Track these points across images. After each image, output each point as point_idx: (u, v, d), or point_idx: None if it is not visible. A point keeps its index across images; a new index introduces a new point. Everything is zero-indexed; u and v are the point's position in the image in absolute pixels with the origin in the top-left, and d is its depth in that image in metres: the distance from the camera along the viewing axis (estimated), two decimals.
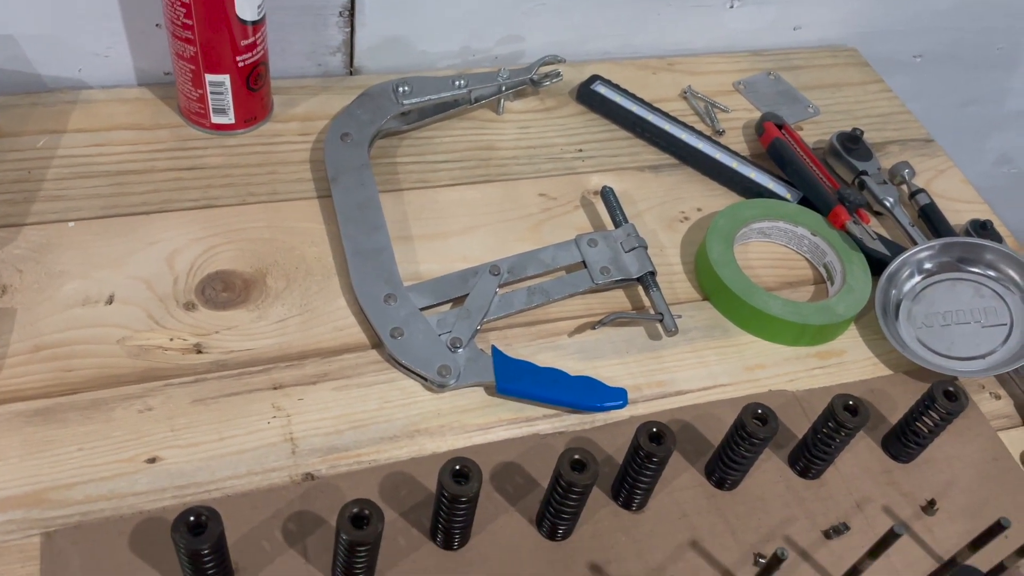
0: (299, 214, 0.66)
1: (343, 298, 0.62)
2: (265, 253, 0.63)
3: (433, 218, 0.68)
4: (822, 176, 0.75)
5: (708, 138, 0.78)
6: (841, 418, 0.52)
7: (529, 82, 0.76)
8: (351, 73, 0.79)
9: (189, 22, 0.62)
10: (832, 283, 0.69)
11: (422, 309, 0.60)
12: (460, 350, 0.58)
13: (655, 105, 0.79)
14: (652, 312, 0.63)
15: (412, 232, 0.67)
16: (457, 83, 0.73)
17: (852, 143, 0.78)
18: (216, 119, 0.69)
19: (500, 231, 0.68)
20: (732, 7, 0.87)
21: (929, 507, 0.56)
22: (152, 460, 0.51)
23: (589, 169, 0.75)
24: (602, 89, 0.80)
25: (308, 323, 0.60)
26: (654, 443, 0.49)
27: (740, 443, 0.52)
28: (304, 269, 0.63)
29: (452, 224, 0.68)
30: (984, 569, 0.52)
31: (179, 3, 0.61)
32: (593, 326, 0.61)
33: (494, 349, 0.59)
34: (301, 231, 0.65)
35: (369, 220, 0.64)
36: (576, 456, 0.47)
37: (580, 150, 0.76)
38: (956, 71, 1.04)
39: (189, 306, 0.59)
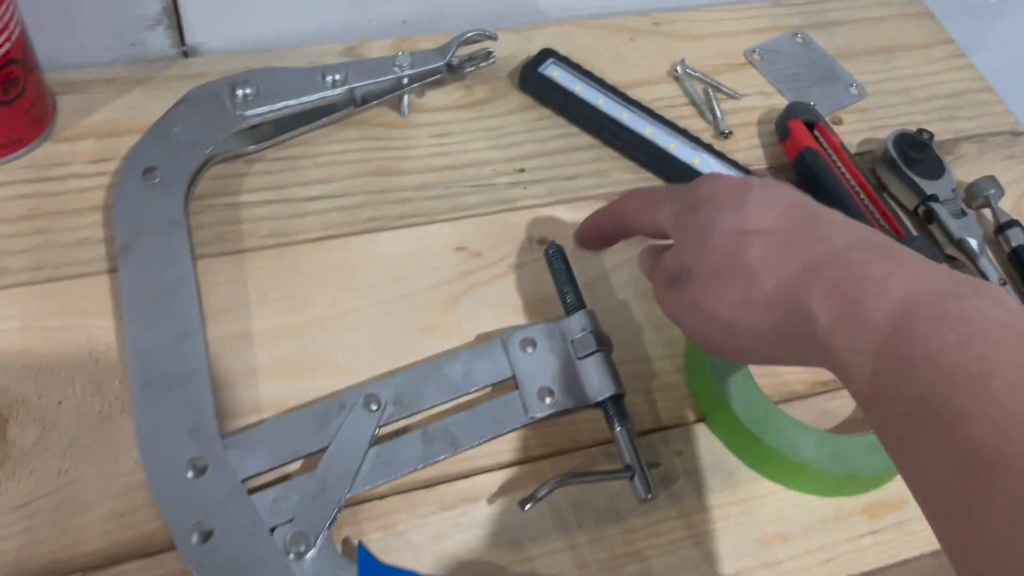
0: (78, 304, 0.43)
1: (134, 454, 0.39)
2: (11, 379, 0.40)
3: (291, 297, 0.45)
4: (873, 210, 0.51)
5: (708, 147, 0.53)
6: None
7: (445, 69, 0.52)
8: (184, 54, 0.53)
9: None
10: None
11: (250, 479, 0.38)
12: (307, 555, 0.36)
13: (630, 95, 0.55)
14: (619, 463, 0.41)
15: (253, 324, 0.44)
16: (330, 78, 0.48)
17: (916, 151, 0.54)
18: None
19: (392, 315, 0.45)
20: None
21: None
22: None
23: (533, 201, 0.51)
24: (556, 72, 0.55)
25: (68, 508, 0.37)
26: None
27: None
28: (74, 405, 0.40)
29: (318, 307, 0.45)
30: None
31: None
32: (523, 503, 0.39)
33: (361, 552, 0.37)
34: (76, 335, 0.42)
35: (175, 321, 0.41)
36: None
37: (521, 170, 0.52)
38: None
39: None
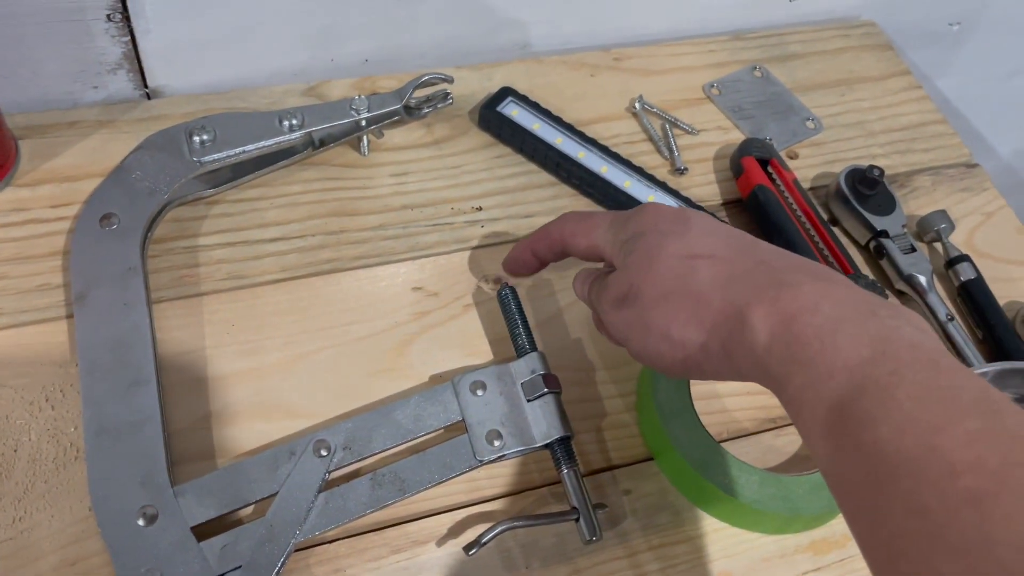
0: (33, 350, 0.44)
1: (88, 501, 0.40)
2: None
3: (246, 341, 0.46)
4: (823, 248, 0.52)
5: (662, 185, 0.54)
6: None
7: (403, 111, 0.52)
8: (147, 96, 0.54)
9: None
10: None
11: (200, 526, 0.39)
12: None
13: (589, 132, 0.56)
14: (567, 504, 0.42)
15: (208, 370, 0.45)
16: (287, 123, 0.49)
17: (867, 187, 0.55)
18: None
19: (348, 357, 0.46)
20: None
21: None
22: None
23: (491, 240, 0.52)
24: (515, 110, 0.56)
25: (22, 557, 0.38)
26: None
27: None
28: (29, 452, 0.41)
29: (274, 350, 0.46)
30: None
31: None
32: (468, 548, 0.40)
33: None
34: (33, 382, 0.43)
35: (129, 369, 0.42)
36: None
37: (479, 208, 0.53)
38: (1004, 39, 0.79)
39: None
